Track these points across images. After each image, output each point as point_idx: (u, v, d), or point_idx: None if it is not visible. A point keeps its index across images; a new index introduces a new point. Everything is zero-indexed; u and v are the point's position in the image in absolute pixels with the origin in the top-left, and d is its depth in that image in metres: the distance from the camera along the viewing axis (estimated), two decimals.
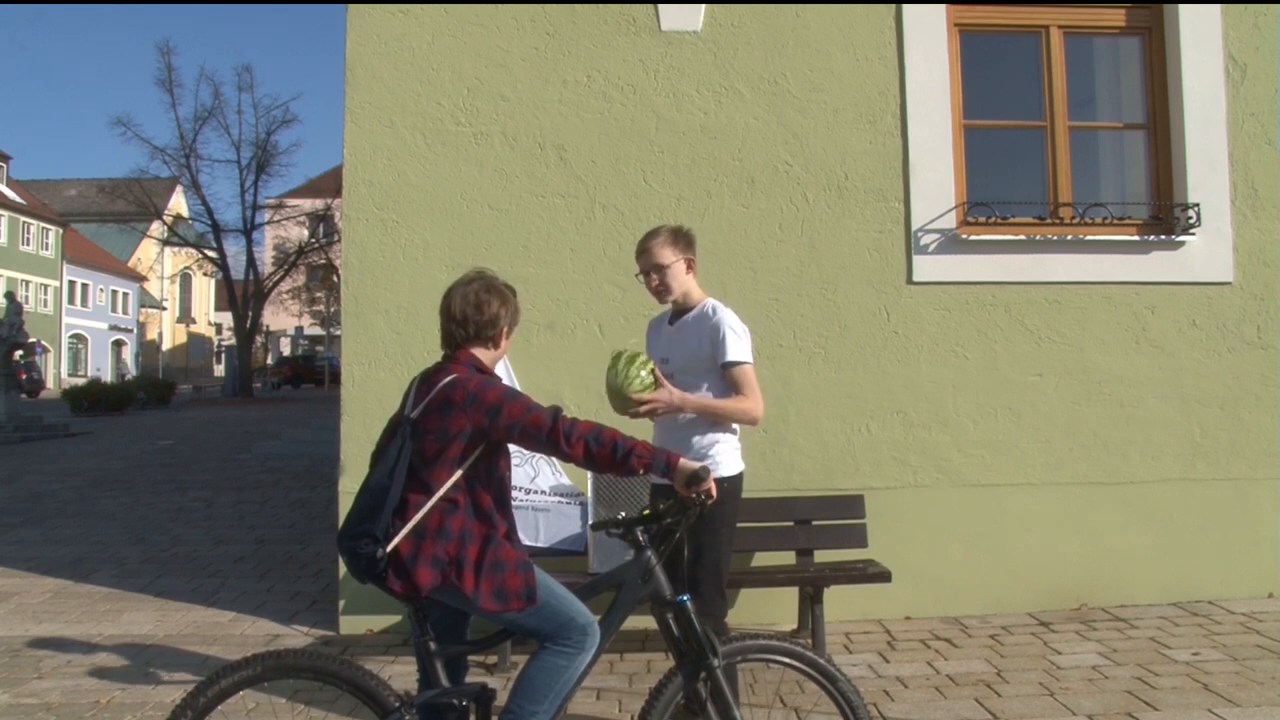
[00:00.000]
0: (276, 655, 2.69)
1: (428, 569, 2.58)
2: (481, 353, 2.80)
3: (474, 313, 2.77)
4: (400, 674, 4.35)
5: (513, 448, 2.83)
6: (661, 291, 3.49)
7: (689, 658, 2.79)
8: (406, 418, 2.70)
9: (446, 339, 2.84)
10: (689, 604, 2.82)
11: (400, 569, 2.59)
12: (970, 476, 5.52)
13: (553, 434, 2.60)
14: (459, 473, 2.62)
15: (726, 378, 3.39)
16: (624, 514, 2.96)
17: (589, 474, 5.01)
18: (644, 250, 3.49)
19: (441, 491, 2.61)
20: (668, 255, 3.44)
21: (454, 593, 2.62)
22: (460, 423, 2.61)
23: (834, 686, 2.84)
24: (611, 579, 2.88)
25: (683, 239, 3.50)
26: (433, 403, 2.65)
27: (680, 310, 3.55)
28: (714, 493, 2.77)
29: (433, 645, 2.68)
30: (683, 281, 3.49)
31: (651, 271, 3.47)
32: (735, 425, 3.46)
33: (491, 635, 2.80)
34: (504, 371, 5.15)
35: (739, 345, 3.38)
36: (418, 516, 2.59)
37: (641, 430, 3.16)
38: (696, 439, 3.37)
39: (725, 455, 3.39)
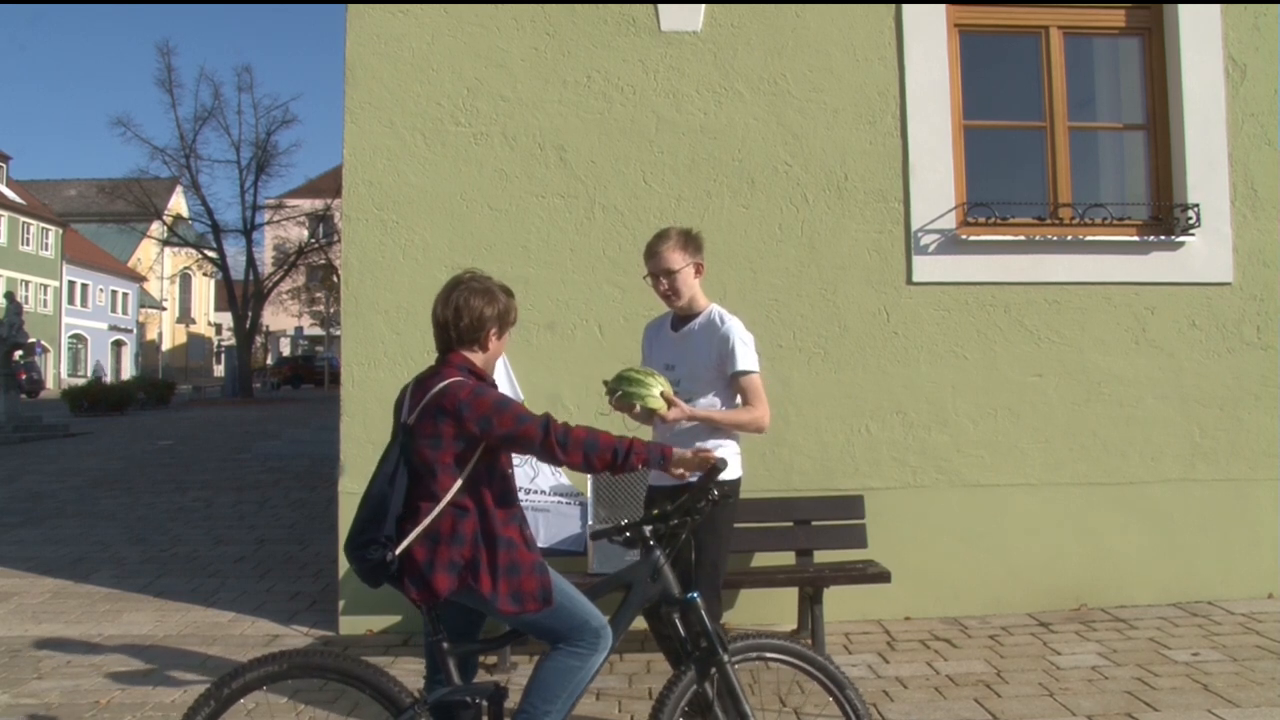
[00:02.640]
0: (303, 654, 2.76)
1: (445, 574, 2.59)
2: (472, 355, 2.79)
3: (454, 318, 2.76)
4: (400, 674, 4.33)
5: None
6: (670, 296, 3.47)
7: (698, 655, 2.79)
8: (403, 424, 2.70)
9: (436, 341, 2.85)
10: (699, 600, 2.83)
11: (417, 575, 2.60)
12: (970, 476, 5.52)
13: (546, 445, 2.60)
14: (463, 477, 2.62)
15: (734, 386, 3.40)
16: (626, 519, 2.95)
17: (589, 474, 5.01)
18: (654, 253, 3.45)
19: (448, 497, 2.61)
20: (678, 260, 3.41)
21: (471, 595, 2.63)
22: (452, 430, 2.61)
23: (835, 686, 2.84)
24: (620, 579, 2.90)
25: (692, 243, 3.47)
26: (426, 408, 2.65)
27: (684, 316, 3.52)
28: (712, 460, 2.79)
29: (446, 645, 2.69)
30: (691, 286, 3.47)
31: (661, 276, 3.43)
32: (736, 431, 3.47)
33: (502, 635, 2.82)
34: (504, 372, 5.15)
35: (747, 354, 3.39)
36: (426, 521, 2.59)
37: (633, 431, 3.16)
38: (699, 444, 3.33)
39: (726, 460, 3.39)
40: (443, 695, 2.67)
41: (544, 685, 2.67)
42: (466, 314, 2.75)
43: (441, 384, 2.66)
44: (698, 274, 3.48)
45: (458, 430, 2.61)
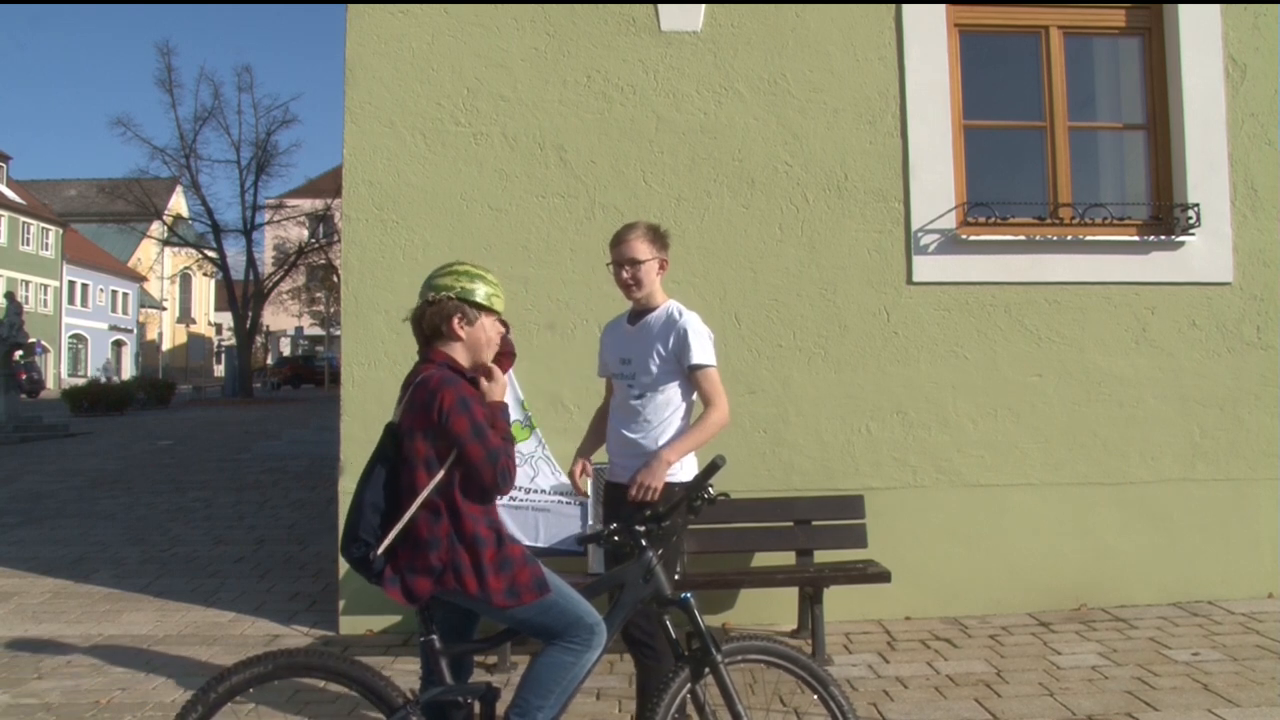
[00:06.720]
0: (289, 654, 2.73)
1: (424, 578, 2.59)
2: (449, 349, 2.75)
3: (416, 310, 2.80)
4: (400, 674, 4.32)
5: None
6: (631, 286, 3.45)
7: (691, 656, 2.78)
8: (389, 424, 2.70)
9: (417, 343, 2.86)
10: (692, 601, 2.82)
11: (397, 578, 2.60)
12: (970, 477, 5.51)
13: (486, 474, 2.56)
14: (439, 475, 2.60)
15: (692, 380, 3.36)
16: (614, 524, 2.93)
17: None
18: (621, 241, 3.46)
19: (423, 495, 2.59)
20: (644, 251, 3.41)
21: (459, 596, 2.63)
22: (422, 421, 2.61)
23: (817, 683, 2.84)
24: (614, 579, 2.90)
25: (660, 238, 3.48)
26: (410, 404, 2.66)
27: (641, 311, 3.52)
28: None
29: (437, 644, 2.69)
30: (653, 280, 3.46)
31: (626, 264, 3.43)
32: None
33: (496, 634, 2.81)
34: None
35: (704, 348, 3.36)
36: (403, 520, 2.59)
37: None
38: (655, 444, 3.33)
39: (681, 461, 3.35)
40: (434, 695, 2.67)
41: (538, 680, 2.68)
42: (427, 305, 2.77)
43: (419, 379, 2.66)
44: (661, 269, 3.48)
45: (426, 423, 2.60)
